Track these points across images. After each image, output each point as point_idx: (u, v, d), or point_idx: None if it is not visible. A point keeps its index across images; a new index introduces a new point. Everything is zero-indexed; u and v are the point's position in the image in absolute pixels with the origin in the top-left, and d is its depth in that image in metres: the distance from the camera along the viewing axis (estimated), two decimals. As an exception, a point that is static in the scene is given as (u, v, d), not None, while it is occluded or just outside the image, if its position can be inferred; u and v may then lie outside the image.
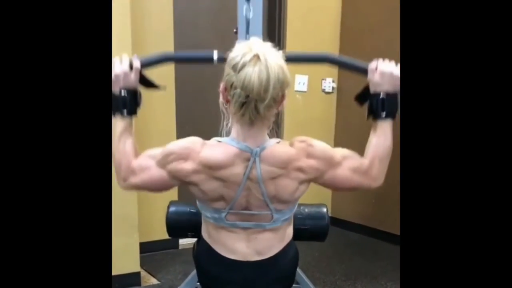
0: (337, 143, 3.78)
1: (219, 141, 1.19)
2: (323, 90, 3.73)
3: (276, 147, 1.19)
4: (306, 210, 1.58)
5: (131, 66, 1.27)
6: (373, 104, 1.28)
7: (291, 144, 1.22)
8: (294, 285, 2.31)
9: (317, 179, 1.24)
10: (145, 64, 1.32)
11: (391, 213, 3.39)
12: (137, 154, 1.28)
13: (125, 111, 1.27)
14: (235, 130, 1.19)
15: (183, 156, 1.17)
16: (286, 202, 1.23)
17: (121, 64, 1.27)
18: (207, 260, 1.32)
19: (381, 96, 1.26)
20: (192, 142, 1.20)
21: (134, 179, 1.25)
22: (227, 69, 1.12)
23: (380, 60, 1.28)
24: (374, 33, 3.43)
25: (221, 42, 3.08)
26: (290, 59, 1.19)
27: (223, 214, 1.22)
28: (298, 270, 2.34)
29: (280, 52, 1.13)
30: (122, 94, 1.27)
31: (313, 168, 1.21)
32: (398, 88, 1.26)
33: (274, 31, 3.52)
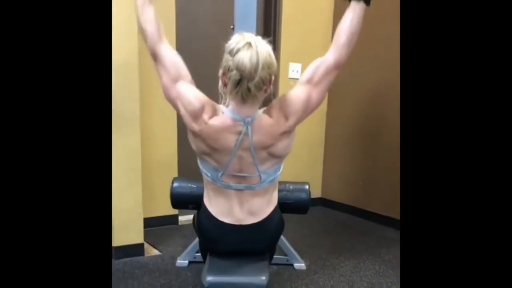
0: (328, 127, 3.99)
1: (223, 112, 1.41)
2: (316, 78, 3.90)
3: (262, 119, 1.41)
4: (291, 187, 1.80)
5: None
6: None
7: (270, 114, 1.43)
8: (282, 256, 2.58)
9: (303, 119, 1.47)
10: None
11: (377, 195, 3.62)
12: (160, 26, 1.42)
13: None
14: (230, 107, 1.41)
15: (194, 115, 1.39)
16: (280, 157, 1.48)
17: None
18: (206, 223, 1.56)
19: None
20: (206, 107, 1.40)
21: (158, 66, 1.43)
22: (225, 55, 1.35)
23: None
24: (364, 34, 3.60)
25: (220, 33, 3.28)
26: None
27: (220, 174, 1.46)
28: (287, 244, 2.60)
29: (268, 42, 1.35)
30: None
31: (295, 123, 1.45)
32: None
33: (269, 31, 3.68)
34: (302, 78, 1.48)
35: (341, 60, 1.47)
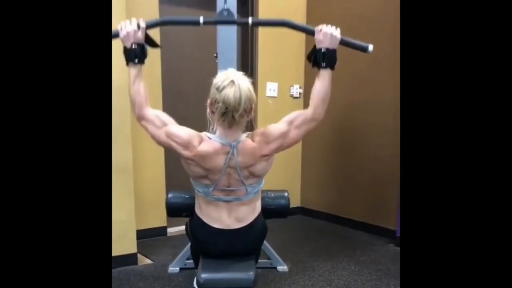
0: (304, 142, 4.25)
1: (209, 138, 1.66)
2: (291, 95, 4.16)
3: (246, 144, 1.66)
4: (272, 194, 2.04)
5: (138, 26, 1.69)
6: (317, 57, 1.72)
7: (253, 139, 1.68)
8: (266, 260, 2.80)
9: (279, 149, 1.72)
10: (149, 25, 1.73)
11: (351, 202, 3.89)
12: (147, 96, 1.70)
13: (136, 60, 1.69)
14: (218, 132, 1.68)
15: (185, 145, 1.64)
16: (259, 176, 1.72)
17: (131, 25, 1.69)
18: (198, 229, 1.79)
19: (322, 51, 1.70)
20: (193, 136, 1.64)
21: (145, 123, 1.69)
22: (212, 90, 1.62)
23: (325, 25, 1.73)
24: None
25: (203, 57, 3.51)
26: (255, 24, 1.61)
27: (210, 190, 1.70)
28: (270, 249, 2.84)
29: (248, 78, 1.62)
30: (133, 47, 1.70)
31: (273, 149, 1.70)
32: (337, 46, 1.72)
33: (247, 53, 3.95)
34: (285, 119, 1.73)
35: (317, 116, 1.72)
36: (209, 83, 1.65)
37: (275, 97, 4.02)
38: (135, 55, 1.69)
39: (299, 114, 1.73)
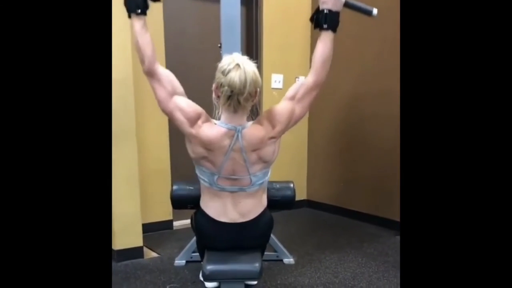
0: (310, 132, 4.23)
1: (215, 123, 1.64)
2: (297, 87, 4.13)
3: (252, 129, 1.65)
4: (278, 185, 2.02)
5: None
6: (318, 18, 1.65)
7: (260, 123, 1.66)
8: (272, 252, 2.79)
9: (287, 129, 1.69)
10: None
11: (357, 194, 3.86)
12: (155, 50, 1.63)
13: (139, 11, 1.59)
14: (223, 117, 1.65)
15: (191, 122, 1.61)
16: (267, 162, 1.69)
17: None
18: (203, 223, 1.77)
19: (325, 12, 1.64)
20: (200, 114, 1.62)
21: (153, 83, 1.63)
22: (218, 73, 1.60)
23: None
24: (342, 51, 3.86)
25: (207, 49, 3.49)
26: None
27: (215, 178, 1.67)
28: (276, 241, 2.82)
29: (254, 62, 1.61)
30: None
31: (281, 131, 1.68)
32: (340, 8, 1.65)
33: (252, 45, 3.92)
34: (287, 95, 1.71)
35: (319, 81, 1.68)
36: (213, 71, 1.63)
37: (280, 89, 3.99)
38: (137, 6, 1.59)
39: (300, 86, 1.69)
